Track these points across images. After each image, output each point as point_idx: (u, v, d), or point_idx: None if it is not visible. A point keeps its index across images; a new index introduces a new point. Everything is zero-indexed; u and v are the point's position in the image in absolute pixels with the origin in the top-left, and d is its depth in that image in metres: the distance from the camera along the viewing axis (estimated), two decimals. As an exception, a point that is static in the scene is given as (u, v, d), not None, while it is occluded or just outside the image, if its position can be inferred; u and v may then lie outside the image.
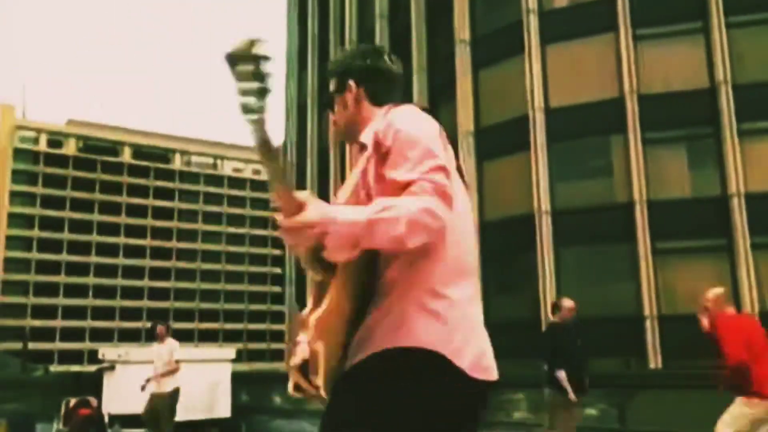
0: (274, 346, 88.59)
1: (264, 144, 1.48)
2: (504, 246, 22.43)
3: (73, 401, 12.41)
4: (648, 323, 19.15)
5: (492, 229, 22.53)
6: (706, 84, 20.07)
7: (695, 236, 19.36)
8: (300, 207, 1.58)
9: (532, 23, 22.56)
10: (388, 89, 2.06)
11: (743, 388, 5.73)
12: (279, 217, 1.61)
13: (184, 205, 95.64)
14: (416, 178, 1.68)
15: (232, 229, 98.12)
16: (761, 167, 19.25)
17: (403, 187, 1.69)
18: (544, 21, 22.59)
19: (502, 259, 22.61)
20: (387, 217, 1.60)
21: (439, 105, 26.02)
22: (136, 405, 10.07)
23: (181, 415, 10.24)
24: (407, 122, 1.81)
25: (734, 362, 5.65)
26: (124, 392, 11.92)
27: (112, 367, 12.74)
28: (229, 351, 14.70)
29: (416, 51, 26.80)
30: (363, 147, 1.90)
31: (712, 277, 19.15)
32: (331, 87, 2.09)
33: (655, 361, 18.82)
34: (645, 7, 21.05)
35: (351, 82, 2.04)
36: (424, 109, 1.94)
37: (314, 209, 1.58)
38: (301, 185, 34.85)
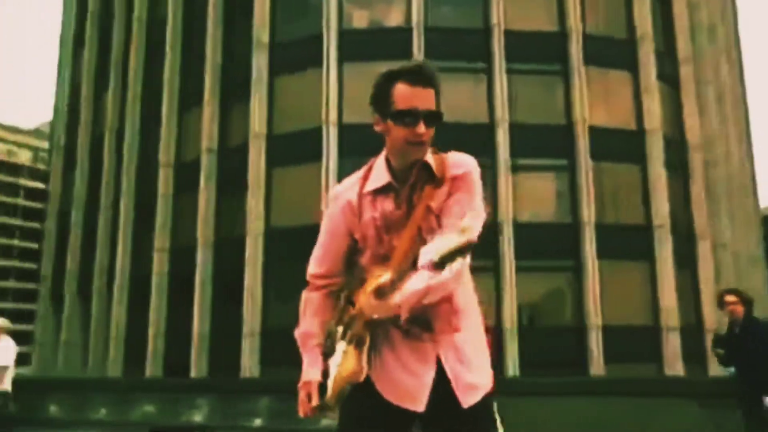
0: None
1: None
2: (290, 253, 22.72)
3: None
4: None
5: (279, 236, 22.76)
6: (487, 120, 22.18)
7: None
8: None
9: (332, 39, 23.18)
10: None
11: None
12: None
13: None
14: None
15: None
16: (528, 199, 21.74)
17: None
18: (343, 39, 23.38)
19: (287, 265, 22.94)
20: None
21: (232, 105, 25.64)
22: None
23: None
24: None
25: None
26: None
27: None
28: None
29: (210, 49, 25.93)
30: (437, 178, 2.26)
31: (481, 294, 21.03)
32: (435, 103, 2.22)
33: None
34: (436, 41, 22.69)
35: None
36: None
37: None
38: (70, 166, 32.43)
